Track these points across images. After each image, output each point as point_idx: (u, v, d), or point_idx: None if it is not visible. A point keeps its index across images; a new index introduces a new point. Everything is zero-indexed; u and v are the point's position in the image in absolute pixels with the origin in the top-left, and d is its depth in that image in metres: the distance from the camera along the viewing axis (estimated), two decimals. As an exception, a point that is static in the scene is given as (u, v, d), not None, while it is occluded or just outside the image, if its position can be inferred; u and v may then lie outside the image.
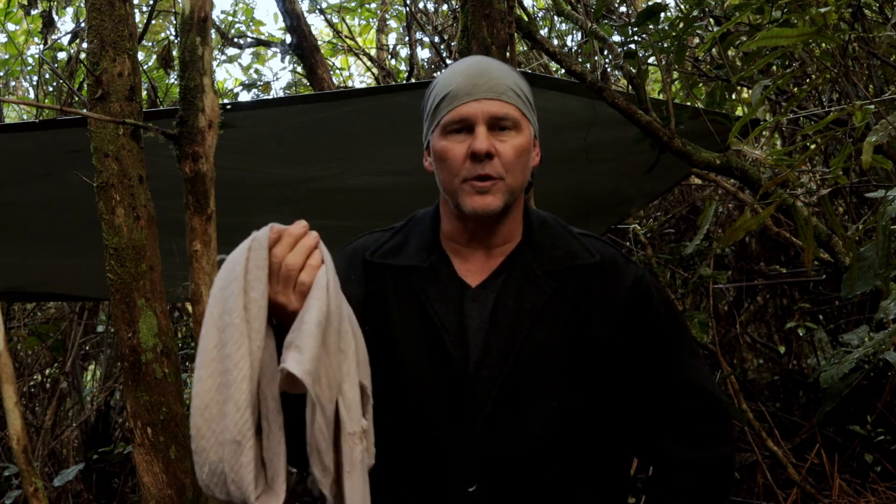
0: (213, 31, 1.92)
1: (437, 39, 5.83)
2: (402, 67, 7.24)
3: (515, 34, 2.78)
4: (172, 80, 5.50)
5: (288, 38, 5.93)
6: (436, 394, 1.30)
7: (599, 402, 1.33)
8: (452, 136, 1.31)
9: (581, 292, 1.33)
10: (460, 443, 1.28)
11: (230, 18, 7.19)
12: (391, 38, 7.84)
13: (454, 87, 1.30)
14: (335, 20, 7.07)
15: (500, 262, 1.36)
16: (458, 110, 1.29)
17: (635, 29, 3.00)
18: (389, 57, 7.49)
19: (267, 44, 6.98)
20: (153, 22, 6.08)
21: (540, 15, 5.78)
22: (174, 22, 5.91)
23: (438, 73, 6.27)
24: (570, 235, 1.40)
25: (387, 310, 1.35)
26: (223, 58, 7.09)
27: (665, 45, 3.06)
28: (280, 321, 1.13)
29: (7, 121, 6.00)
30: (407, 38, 6.27)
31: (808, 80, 3.72)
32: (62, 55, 5.72)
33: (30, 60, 6.23)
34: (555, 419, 1.29)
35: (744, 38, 3.32)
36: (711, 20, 3.69)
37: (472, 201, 1.29)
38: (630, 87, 3.20)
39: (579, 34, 4.72)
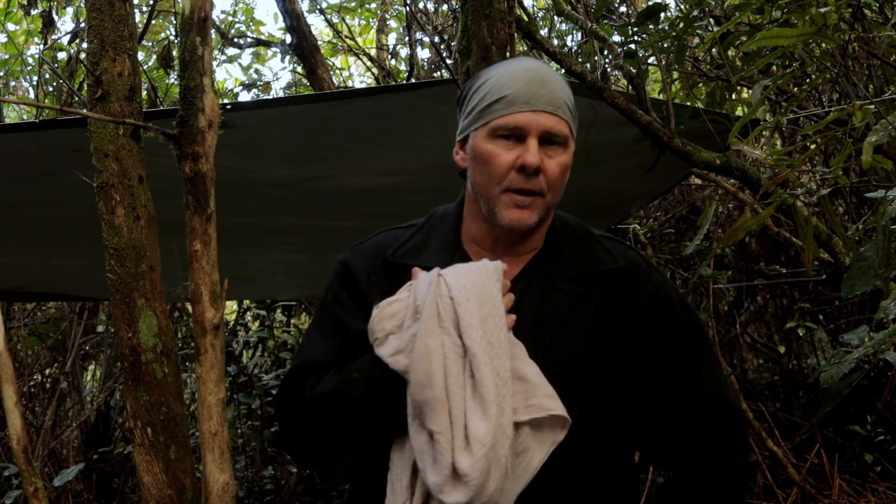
0: (213, 31, 1.92)
1: (437, 39, 5.83)
2: (402, 67, 7.24)
3: (515, 34, 2.78)
4: (172, 80, 5.50)
5: (288, 38, 5.93)
6: None
7: (621, 408, 1.32)
8: (500, 140, 1.28)
9: (604, 298, 1.31)
10: None
11: (230, 18, 7.19)
12: (391, 38, 7.85)
13: (513, 92, 1.27)
14: (335, 20, 7.07)
15: (523, 267, 1.34)
16: (514, 117, 1.26)
17: (635, 29, 3.00)
18: (389, 57, 7.50)
19: (267, 44, 6.98)
20: (153, 22, 6.08)
21: (540, 15, 5.77)
22: (174, 22, 5.91)
23: (439, 72, 6.28)
24: (592, 239, 1.39)
25: None
26: (223, 58, 7.09)
27: (665, 45, 3.06)
28: None
29: (7, 121, 6.00)
30: (407, 38, 6.27)
31: (808, 80, 3.72)
32: (62, 55, 5.72)
33: (30, 60, 6.23)
34: (578, 427, 1.26)
35: (744, 38, 3.32)
36: (711, 20, 3.69)
37: (510, 213, 1.27)
38: (630, 87, 3.19)
39: (579, 34, 4.71)
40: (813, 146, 3.25)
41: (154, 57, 6.45)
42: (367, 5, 7.27)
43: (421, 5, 6.30)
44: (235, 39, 6.95)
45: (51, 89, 5.82)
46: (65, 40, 5.50)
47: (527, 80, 1.28)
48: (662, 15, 3.02)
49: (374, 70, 7.04)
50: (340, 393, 1.25)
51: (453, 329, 1.19)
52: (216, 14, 7.94)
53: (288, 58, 6.52)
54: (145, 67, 5.85)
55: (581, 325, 1.29)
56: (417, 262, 1.33)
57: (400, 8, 7.02)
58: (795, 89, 3.97)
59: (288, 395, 1.34)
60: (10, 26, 6.24)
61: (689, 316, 1.39)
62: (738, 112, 4.39)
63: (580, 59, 4.07)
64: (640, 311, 1.32)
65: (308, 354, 1.36)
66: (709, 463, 1.32)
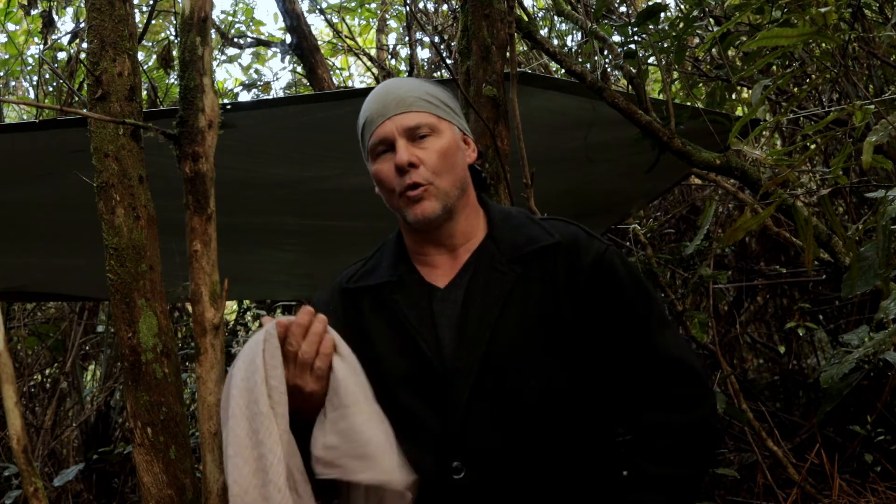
0: (213, 31, 1.92)
1: (437, 39, 5.83)
2: (402, 67, 7.24)
3: (515, 34, 2.78)
4: (172, 80, 5.50)
5: (288, 38, 5.93)
6: (418, 395, 1.34)
7: (578, 380, 1.35)
8: (380, 157, 1.39)
9: (546, 274, 1.36)
10: (444, 435, 1.31)
11: (230, 18, 7.19)
12: (391, 38, 7.84)
13: (369, 113, 1.39)
14: (335, 20, 7.07)
15: (466, 260, 1.40)
16: (376, 133, 1.37)
17: (635, 29, 3.00)
18: (389, 57, 7.49)
19: (267, 44, 6.98)
20: (153, 22, 6.08)
21: (540, 15, 5.77)
22: (174, 22, 5.91)
23: (439, 72, 6.28)
24: (531, 222, 1.44)
25: (365, 329, 1.41)
26: (223, 58, 7.10)
27: (665, 45, 3.06)
28: (297, 401, 1.25)
29: (7, 121, 6.00)
30: (407, 38, 6.27)
31: (808, 80, 3.72)
32: (62, 55, 5.72)
33: (30, 60, 6.23)
34: (534, 401, 1.32)
35: (744, 38, 3.32)
36: (711, 20, 3.69)
37: (412, 212, 1.36)
38: (630, 87, 3.19)
39: (579, 34, 4.72)
40: (813, 146, 3.25)
41: (154, 57, 6.45)
42: (367, 5, 7.27)
43: (421, 5, 6.30)
44: (235, 39, 6.96)
45: (51, 89, 5.82)
46: (65, 40, 5.50)
47: (378, 98, 1.40)
48: (662, 15, 3.02)
49: (374, 70, 7.03)
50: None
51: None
52: (216, 14, 7.94)
53: (288, 58, 6.53)
54: (145, 67, 5.85)
55: (526, 303, 1.35)
56: (369, 283, 1.44)
57: (400, 8, 7.03)
58: (795, 89, 3.97)
59: None
60: (10, 26, 6.23)
61: (636, 280, 1.41)
62: (738, 112, 4.39)
63: (580, 59, 4.07)
64: (583, 280, 1.36)
65: None
66: (661, 418, 1.33)
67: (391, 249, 1.49)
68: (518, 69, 2.73)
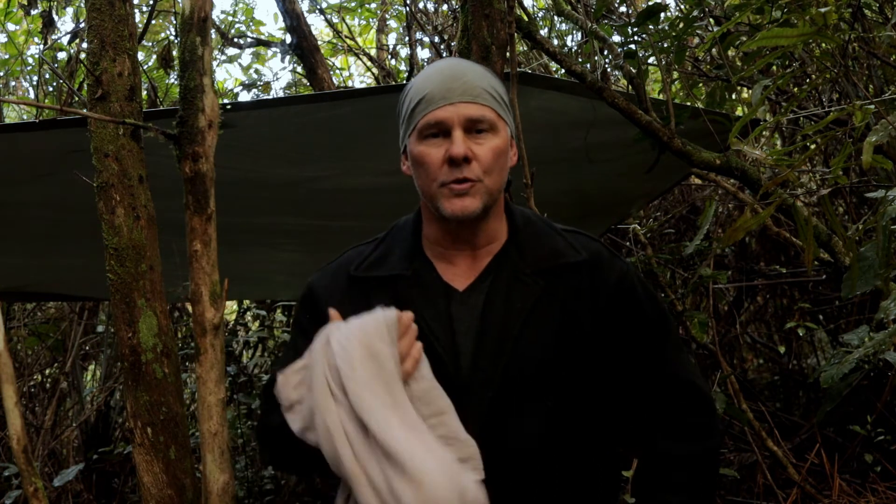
0: (213, 31, 1.92)
1: (437, 39, 5.83)
2: (402, 67, 7.24)
3: (515, 34, 2.78)
4: (172, 80, 5.50)
5: (288, 38, 5.93)
6: None
7: (593, 399, 1.34)
8: (429, 140, 1.31)
9: (569, 290, 1.34)
10: None
11: (230, 18, 7.19)
12: (391, 38, 7.85)
13: (429, 92, 1.30)
14: (335, 20, 7.07)
15: (487, 264, 1.36)
16: (434, 114, 1.29)
17: (635, 29, 3.00)
18: (389, 57, 7.50)
19: (267, 44, 6.98)
20: (153, 22, 6.08)
21: (540, 15, 5.78)
22: (174, 22, 5.91)
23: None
24: (554, 233, 1.41)
25: None
26: (223, 58, 7.10)
27: (665, 45, 3.07)
28: None
29: (7, 121, 6.00)
30: (407, 38, 6.27)
31: (808, 80, 3.72)
32: (62, 55, 5.72)
33: (30, 60, 6.23)
34: (550, 417, 1.30)
35: (744, 38, 3.32)
36: (711, 20, 3.69)
37: (452, 204, 1.29)
38: (630, 87, 3.20)
39: (579, 34, 4.72)
40: (813, 146, 3.25)
41: (154, 57, 6.45)
42: (367, 5, 7.27)
43: (421, 5, 6.30)
44: (235, 39, 6.96)
45: (51, 89, 5.82)
46: (65, 40, 5.50)
47: (441, 77, 1.31)
48: (662, 15, 3.02)
49: (374, 70, 7.04)
50: (282, 432, 1.30)
51: (345, 400, 1.19)
52: (216, 14, 7.94)
53: (288, 58, 6.53)
54: (145, 67, 5.85)
55: (548, 319, 1.31)
56: (379, 273, 1.37)
57: (400, 8, 7.03)
58: (795, 89, 3.97)
59: (262, 410, 1.43)
60: (10, 26, 6.24)
61: (654, 302, 1.40)
62: (738, 112, 4.39)
63: (580, 59, 4.07)
64: (605, 300, 1.34)
65: (274, 372, 1.45)
66: (679, 448, 1.33)
67: (406, 237, 1.42)
68: (518, 69, 2.73)
